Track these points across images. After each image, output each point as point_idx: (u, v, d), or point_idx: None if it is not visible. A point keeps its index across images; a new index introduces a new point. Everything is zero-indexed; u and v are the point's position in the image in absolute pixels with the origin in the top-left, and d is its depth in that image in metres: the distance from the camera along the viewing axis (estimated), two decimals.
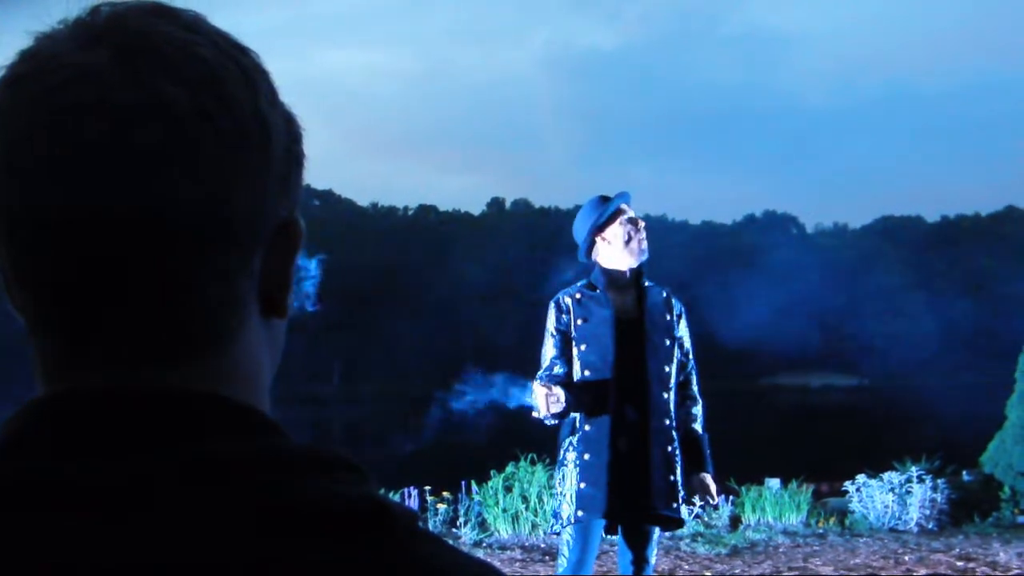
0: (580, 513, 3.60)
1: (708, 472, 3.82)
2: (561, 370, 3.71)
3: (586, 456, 3.63)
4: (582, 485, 3.62)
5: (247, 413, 0.54)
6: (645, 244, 3.79)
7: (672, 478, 3.68)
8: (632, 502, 3.64)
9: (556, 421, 3.64)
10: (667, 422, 3.71)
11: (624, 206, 3.84)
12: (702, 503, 3.86)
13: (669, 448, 3.70)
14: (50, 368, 0.55)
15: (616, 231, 3.79)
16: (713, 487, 3.82)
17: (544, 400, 3.48)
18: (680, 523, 3.88)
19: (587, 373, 3.69)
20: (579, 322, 3.73)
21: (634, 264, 3.79)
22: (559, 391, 3.50)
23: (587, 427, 3.65)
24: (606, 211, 3.82)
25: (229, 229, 0.54)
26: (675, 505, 3.68)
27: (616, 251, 3.79)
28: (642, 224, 3.82)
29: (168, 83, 0.52)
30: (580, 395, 3.63)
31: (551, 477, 7.27)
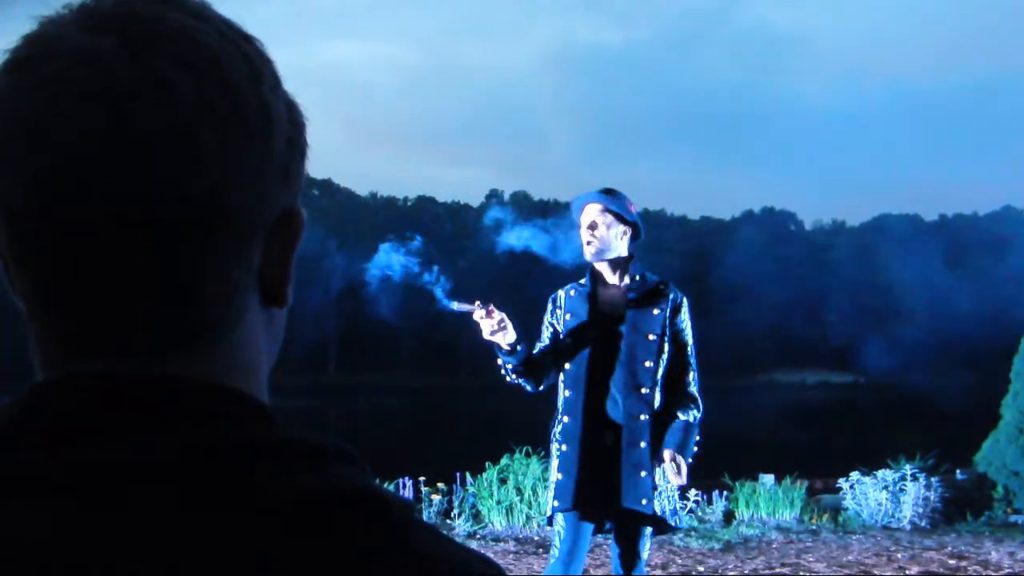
0: (555, 503, 3.66)
1: (672, 449, 3.62)
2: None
3: (564, 447, 3.70)
4: (559, 476, 3.68)
5: (245, 401, 0.54)
6: (597, 244, 3.77)
7: (643, 474, 3.62)
8: (602, 496, 3.66)
9: (510, 355, 3.63)
10: (643, 418, 3.67)
11: (585, 207, 3.83)
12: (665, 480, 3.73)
13: (643, 445, 3.65)
14: (49, 354, 0.54)
15: (581, 232, 3.85)
16: (673, 465, 3.59)
17: (484, 324, 3.57)
18: (659, 521, 3.68)
19: (567, 367, 3.75)
20: (567, 317, 3.80)
21: (594, 262, 3.79)
22: (500, 315, 3.58)
23: (565, 419, 3.72)
24: (574, 212, 3.87)
25: (230, 218, 0.53)
26: (644, 502, 3.60)
27: (584, 249, 3.84)
28: (594, 224, 3.77)
29: (172, 70, 0.52)
30: (556, 359, 3.75)
31: (545, 470, 7.28)
